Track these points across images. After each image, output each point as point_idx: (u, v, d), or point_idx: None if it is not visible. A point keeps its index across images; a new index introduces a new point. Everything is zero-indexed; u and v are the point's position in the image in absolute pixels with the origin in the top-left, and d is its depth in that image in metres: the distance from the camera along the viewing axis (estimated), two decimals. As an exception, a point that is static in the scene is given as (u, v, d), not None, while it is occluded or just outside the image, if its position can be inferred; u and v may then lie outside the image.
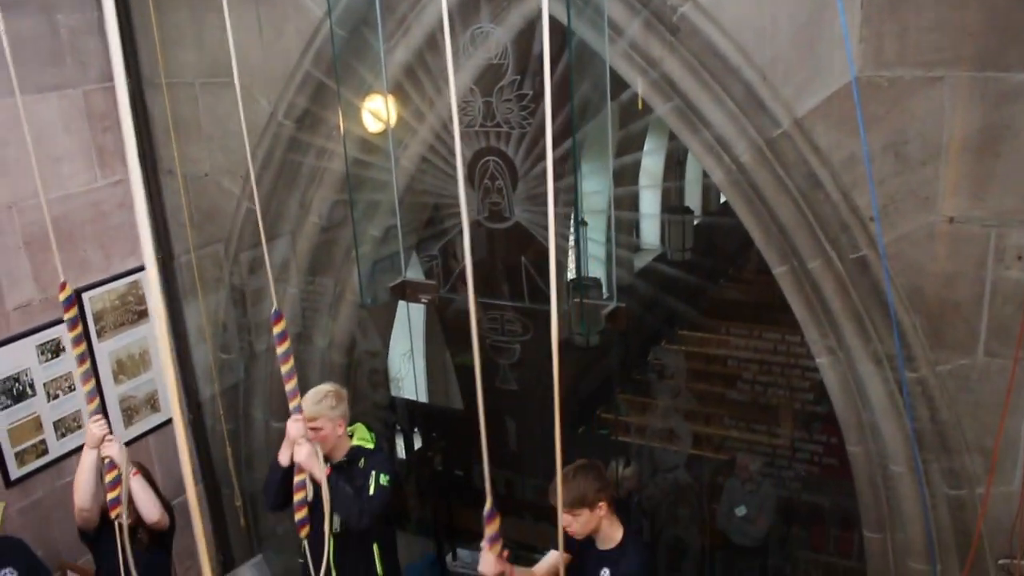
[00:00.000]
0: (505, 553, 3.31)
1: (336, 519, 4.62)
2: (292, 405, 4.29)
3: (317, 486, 4.52)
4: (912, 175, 3.80)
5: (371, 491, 4.53)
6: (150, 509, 4.67)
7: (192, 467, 6.23)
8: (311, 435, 4.41)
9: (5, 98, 4.66)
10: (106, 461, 4.31)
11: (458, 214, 5.16)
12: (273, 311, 4.02)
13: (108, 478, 4.33)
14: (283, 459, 4.46)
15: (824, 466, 5.02)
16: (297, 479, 4.45)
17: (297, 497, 4.47)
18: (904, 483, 4.36)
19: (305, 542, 4.63)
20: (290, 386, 4.19)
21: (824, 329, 4.35)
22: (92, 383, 4.08)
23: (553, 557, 4.10)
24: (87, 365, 3.98)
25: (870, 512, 4.62)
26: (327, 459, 4.56)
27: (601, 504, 3.85)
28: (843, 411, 4.48)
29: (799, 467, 5.14)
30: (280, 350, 4.10)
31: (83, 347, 3.95)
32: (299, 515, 4.52)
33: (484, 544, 3.14)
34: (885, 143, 3.80)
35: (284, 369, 4.15)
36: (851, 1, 3.65)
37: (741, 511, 5.88)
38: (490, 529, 2.91)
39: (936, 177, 3.76)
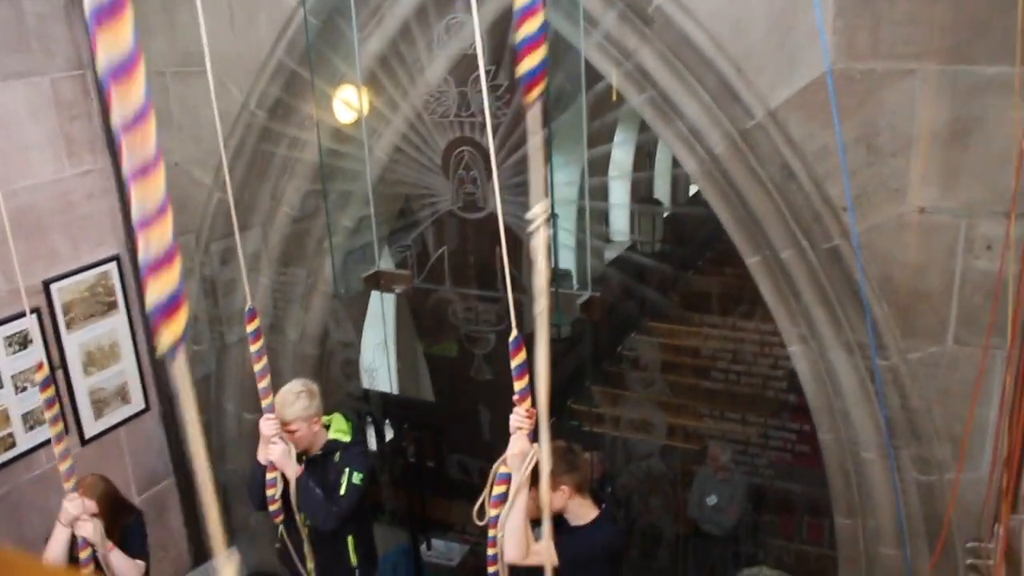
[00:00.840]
0: (532, 412, 3.40)
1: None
2: (264, 403, 4.28)
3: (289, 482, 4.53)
4: (883, 166, 3.85)
5: (342, 491, 4.51)
6: None
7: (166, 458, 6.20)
8: (287, 437, 4.41)
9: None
10: (79, 539, 4.26)
11: (432, 204, 5.15)
12: (247, 308, 4.01)
13: (83, 555, 4.28)
14: (262, 458, 4.45)
15: (796, 454, 5.09)
16: (269, 476, 4.45)
17: (269, 492, 4.48)
18: (875, 470, 4.42)
19: (282, 527, 4.64)
20: (263, 384, 4.20)
21: (796, 318, 4.40)
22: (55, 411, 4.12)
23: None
24: (54, 410, 4.08)
25: (841, 499, 4.68)
26: (304, 454, 4.56)
27: (563, 487, 3.88)
28: (815, 399, 4.54)
29: (771, 455, 5.19)
30: (253, 348, 4.10)
31: (51, 391, 4.02)
32: (273, 507, 4.52)
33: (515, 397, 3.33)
34: (857, 135, 3.84)
35: (257, 367, 4.15)
36: (825, -7, 3.69)
37: (712, 500, 5.93)
38: (518, 376, 2.98)
39: (907, 168, 3.81)
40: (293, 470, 4.43)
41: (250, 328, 4.08)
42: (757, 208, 4.26)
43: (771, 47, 3.92)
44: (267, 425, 4.32)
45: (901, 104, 3.73)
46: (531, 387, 3.28)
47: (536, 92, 1.90)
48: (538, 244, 2.07)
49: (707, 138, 4.26)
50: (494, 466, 3.65)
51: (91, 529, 4.24)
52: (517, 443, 3.53)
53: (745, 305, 5.53)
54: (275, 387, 5.90)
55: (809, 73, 3.86)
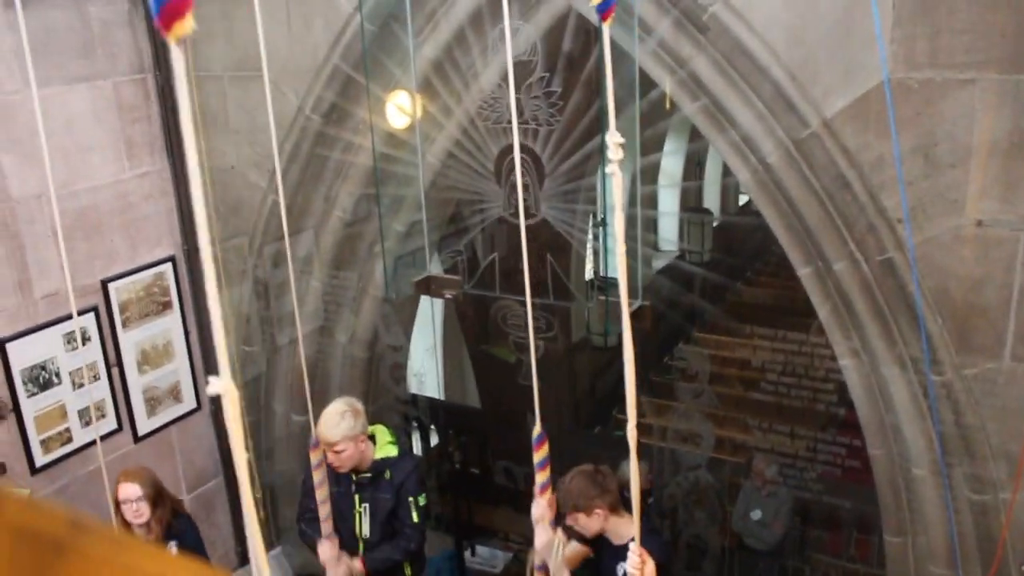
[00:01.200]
0: (552, 502, 3.53)
1: (366, 527, 4.68)
2: (324, 530, 4.51)
3: (342, 496, 4.62)
4: (941, 177, 3.79)
5: (414, 518, 4.62)
6: None
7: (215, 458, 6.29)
8: (333, 459, 4.48)
9: (40, 88, 4.70)
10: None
11: (483, 210, 5.18)
12: (311, 441, 4.26)
13: None
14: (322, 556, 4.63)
15: (845, 469, 5.02)
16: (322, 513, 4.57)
17: (324, 530, 4.60)
18: (926, 487, 4.35)
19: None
20: (324, 513, 4.46)
21: (848, 331, 4.35)
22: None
23: (577, 546, 4.16)
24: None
25: (891, 516, 4.61)
26: (354, 472, 4.61)
27: (598, 511, 3.92)
28: (866, 413, 4.48)
29: (820, 469, 5.13)
30: (316, 477, 4.39)
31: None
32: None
33: (536, 489, 3.38)
34: (914, 145, 3.80)
35: (320, 496, 4.43)
36: (883, 3, 3.65)
37: (757, 515, 5.87)
38: (540, 469, 3.11)
39: (965, 180, 3.75)
40: (358, 569, 4.64)
41: (314, 459, 4.36)
42: (810, 218, 4.22)
43: (827, 56, 3.89)
44: (323, 550, 4.57)
45: (960, 114, 3.68)
46: (552, 482, 3.43)
47: (609, 19, 1.94)
48: (615, 187, 2.05)
49: (760, 147, 4.24)
50: (528, 557, 3.80)
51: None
52: (543, 534, 3.64)
53: (796, 317, 5.49)
54: (323, 388, 6.01)
55: (866, 82, 3.82)
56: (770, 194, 4.32)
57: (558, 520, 3.83)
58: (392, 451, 4.68)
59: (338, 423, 4.43)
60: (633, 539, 3.89)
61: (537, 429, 3.10)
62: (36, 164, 4.95)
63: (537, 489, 3.40)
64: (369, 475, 4.62)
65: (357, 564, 4.61)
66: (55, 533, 0.30)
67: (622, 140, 1.94)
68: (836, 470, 5.03)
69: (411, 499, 4.61)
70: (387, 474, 4.62)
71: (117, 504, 4.53)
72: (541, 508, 3.52)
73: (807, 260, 4.36)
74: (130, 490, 4.53)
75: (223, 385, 1.04)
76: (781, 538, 5.87)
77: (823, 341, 4.63)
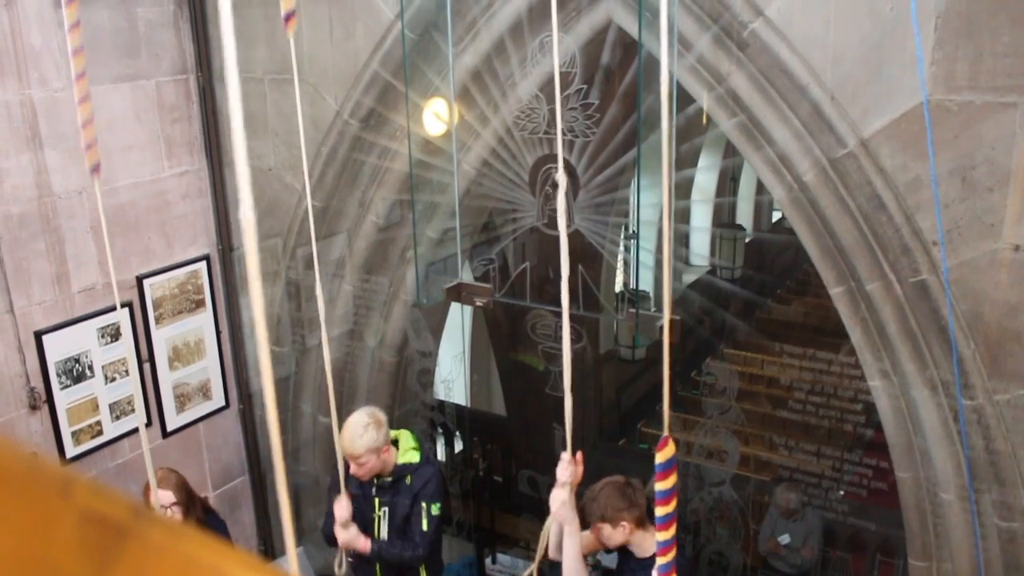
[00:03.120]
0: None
1: (384, 530, 4.70)
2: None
3: (362, 499, 4.65)
4: (978, 201, 3.77)
5: (424, 525, 4.62)
6: None
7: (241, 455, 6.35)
8: (356, 470, 4.51)
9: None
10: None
11: (516, 219, 5.20)
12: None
13: None
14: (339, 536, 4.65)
15: (871, 490, 4.98)
16: (340, 539, 4.61)
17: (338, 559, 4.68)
18: (953, 512, 4.31)
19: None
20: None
21: (879, 352, 4.32)
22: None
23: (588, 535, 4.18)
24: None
25: (916, 540, 4.57)
26: (376, 477, 4.64)
27: (623, 523, 3.94)
28: (894, 436, 4.45)
29: (845, 490, 5.09)
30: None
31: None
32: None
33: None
34: (952, 167, 3.77)
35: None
36: (925, 24, 3.64)
37: (785, 539, 5.81)
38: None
39: (1003, 204, 3.72)
40: (364, 546, 4.63)
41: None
42: (844, 238, 4.20)
43: (867, 76, 3.88)
44: (339, 507, 4.55)
45: (1000, 137, 3.65)
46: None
47: None
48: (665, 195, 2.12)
49: (796, 165, 4.23)
50: (545, 525, 3.85)
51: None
52: (560, 496, 3.69)
53: (826, 336, 5.46)
54: (351, 391, 6.04)
55: (904, 103, 3.81)
56: (804, 212, 4.31)
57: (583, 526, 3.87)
58: (415, 457, 4.70)
59: (361, 435, 4.44)
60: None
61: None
62: (78, 161, 5.04)
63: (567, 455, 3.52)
64: (390, 480, 4.65)
65: (363, 540, 4.61)
66: (119, 518, 0.32)
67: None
68: (862, 491, 4.99)
69: (424, 504, 4.62)
70: (408, 479, 4.65)
71: None
72: (562, 470, 3.62)
73: (840, 279, 4.34)
74: (164, 497, 4.55)
75: (256, 311, 1.04)
76: (811, 564, 5.81)
77: (853, 361, 4.61)
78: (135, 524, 0.32)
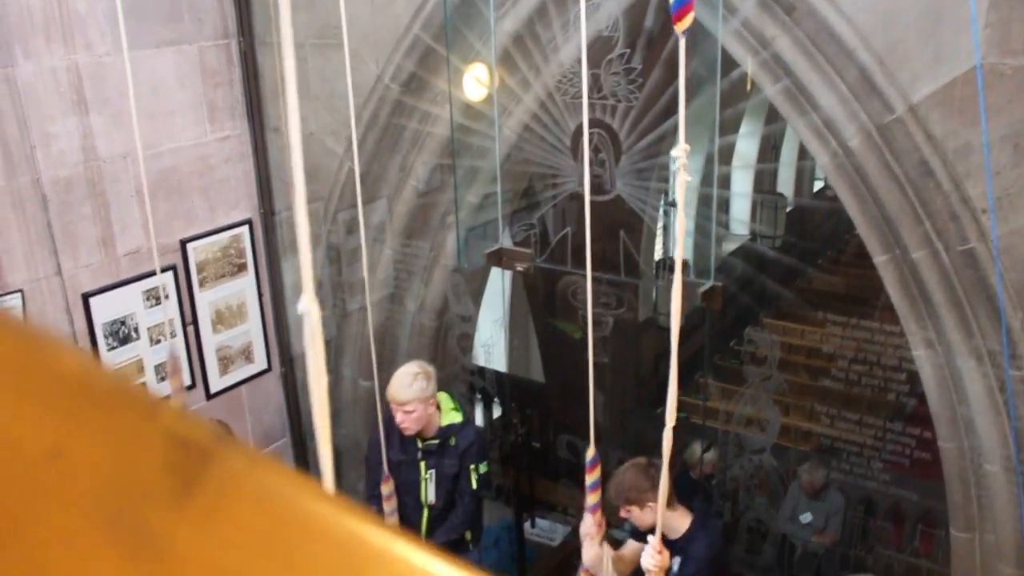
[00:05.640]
0: (601, 523, 3.57)
1: (431, 493, 4.76)
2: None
3: (408, 463, 4.70)
4: (1030, 168, 3.69)
5: (474, 484, 4.70)
6: None
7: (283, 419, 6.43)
8: (402, 419, 4.55)
9: (129, 51, 4.81)
10: None
11: (558, 184, 5.18)
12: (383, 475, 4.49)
13: None
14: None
15: (913, 460, 4.94)
16: (384, 491, 4.64)
17: (387, 508, 4.67)
18: (998, 483, 4.27)
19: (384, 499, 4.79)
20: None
21: (924, 321, 4.27)
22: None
23: (633, 545, 4.20)
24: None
25: (959, 511, 4.53)
26: (418, 438, 4.69)
27: (650, 504, 3.94)
28: (938, 405, 4.40)
29: (887, 459, 5.05)
30: (387, 508, 4.66)
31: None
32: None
33: (587, 507, 3.42)
34: (1004, 133, 3.69)
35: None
36: (979, -15, 3.55)
37: (806, 518, 5.76)
38: (592, 490, 3.18)
39: (1056, 171, 3.65)
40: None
41: (385, 490, 4.54)
42: (890, 205, 4.14)
43: (917, 40, 3.80)
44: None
45: (1054, 104, 3.57)
46: (602, 503, 3.53)
47: (686, 21, 1.98)
48: (679, 187, 2.13)
49: (842, 131, 4.16)
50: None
51: None
52: (591, 550, 3.76)
53: (869, 305, 5.39)
54: (391, 354, 6.08)
55: (955, 68, 3.73)
56: (849, 179, 4.24)
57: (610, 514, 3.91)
58: (457, 417, 4.76)
59: (410, 383, 4.54)
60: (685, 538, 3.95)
61: (591, 452, 3.16)
62: (123, 125, 5.08)
63: (588, 508, 3.50)
64: (436, 442, 4.70)
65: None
66: (203, 442, 0.33)
67: (688, 151, 2.07)
68: (904, 461, 4.95)
69: (472, 466, 4.68)
70: (452, 440, 4.70)
71: None
72: (589, 525, 3.65)
73: (885, 247, 4.28)
74: None
75: (307, 303, 1.06)
76: (831, 549, 5.76)
77: (897, 330, 4.56)
78: (218, 448, 0.33)
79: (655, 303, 9.45)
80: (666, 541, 3.99)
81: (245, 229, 5.96)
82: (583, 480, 3.83)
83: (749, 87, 4.46)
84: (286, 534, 0.37)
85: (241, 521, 0.34)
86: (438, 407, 4.75)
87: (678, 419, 2.53)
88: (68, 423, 0.29)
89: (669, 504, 3.98)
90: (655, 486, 3.93)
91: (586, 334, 5.45)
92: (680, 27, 2.01)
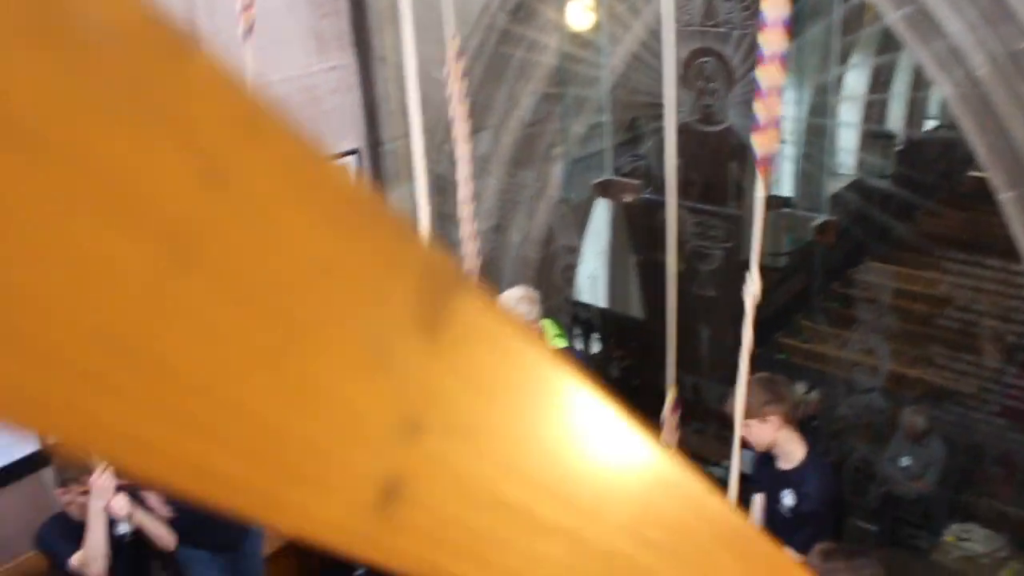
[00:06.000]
0: None
1: None
2: None
3: None
4: None
5: None
6: (165, 540, 4.06)
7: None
8: None
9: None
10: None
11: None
12: None
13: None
14: None
15: (1030, 405, 4.79)
16: None
17: None
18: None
19: None
20: None
21: (1049, 261, 4.10)
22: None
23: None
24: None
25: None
26: None
27: (771, 417, 3.77)
28: (1061, 348, 4.24)
29: (1002, 405, 4.90)
30: None
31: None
32: None
33: None
34: None
35: None
36: None
37: (905, 462, 5.63)
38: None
39: None
40: None
41: None
42: (1019, 138, 3.95)
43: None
44: None
45: None
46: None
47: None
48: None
49: (969, 59, 3.97)
50: None
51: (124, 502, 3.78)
52: None
53: (988, 244, 5.19)
54: (494, 285, 6.12)
55: (1100, -10, 3.51)
56: (975, 111, 4.06)
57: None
58: (562, 343, 4.81)
59: (515, 306, 4.57)
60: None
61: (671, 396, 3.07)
62: (233, 56, 5.15)
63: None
64: None
65: None
66: (451, 275, 0.32)
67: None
68: (1020, 405, 4.79)
69: None
70: None
71: None
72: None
73: (1010, 183, 4.09)
74: None
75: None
76: (927, 496, 5.61)
77: (1020, 270, 4.38)
78: (462, 283, 0.32)
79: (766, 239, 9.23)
80: (780, 472, 3.90)
81: (353, 159, 6.02)
82: (691, 410, 3.77)
83: (869, 15, 4.29)
84: (520, 381, 0.37)
85: (481, 362, 0.34)
86: (542, 333, 4.79)
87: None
88: (338, 233, 0.29)
89: (788, 421, 3.85)
90: (776, 399, 3.80)
91: (701, 266, 5.40)
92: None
